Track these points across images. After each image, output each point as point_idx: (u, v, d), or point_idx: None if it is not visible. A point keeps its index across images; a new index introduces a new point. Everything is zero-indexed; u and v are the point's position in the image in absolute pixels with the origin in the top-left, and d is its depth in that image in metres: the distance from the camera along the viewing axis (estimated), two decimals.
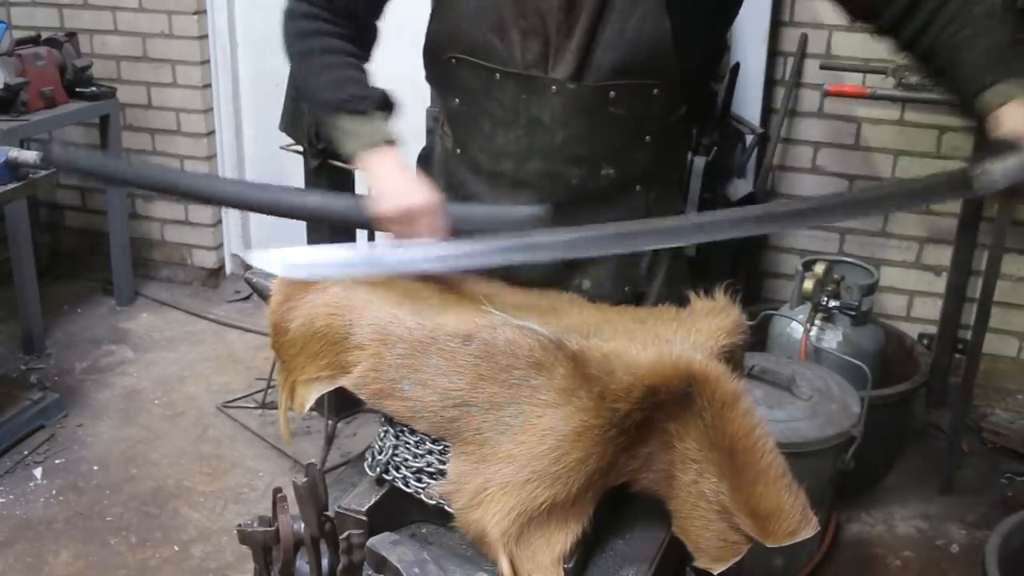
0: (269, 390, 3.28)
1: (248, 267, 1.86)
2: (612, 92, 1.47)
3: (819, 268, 2.89)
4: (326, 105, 1.54)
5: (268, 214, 1.68)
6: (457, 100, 1.57)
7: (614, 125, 1.50)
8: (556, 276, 1.57)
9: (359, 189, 3.04)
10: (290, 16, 1.57)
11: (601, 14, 1.43)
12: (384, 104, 1.53)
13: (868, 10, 1.48)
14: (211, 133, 4.15)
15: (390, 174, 1.49)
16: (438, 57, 1.54)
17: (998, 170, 1.23)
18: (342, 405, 2.99)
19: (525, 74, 1.48)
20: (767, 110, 3.40)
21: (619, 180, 1.55)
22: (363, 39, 1.61)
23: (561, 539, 1.30)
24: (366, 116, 1.50)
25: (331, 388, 1.45)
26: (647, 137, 1.53)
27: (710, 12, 1.50)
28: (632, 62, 1.45)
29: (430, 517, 1.41)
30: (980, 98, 1.33)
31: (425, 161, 1.73)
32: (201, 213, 4.24)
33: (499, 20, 1.46)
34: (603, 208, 1.57)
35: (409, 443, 1.39)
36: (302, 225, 3.15)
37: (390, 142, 1.51)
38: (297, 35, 1.56)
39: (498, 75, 1.49)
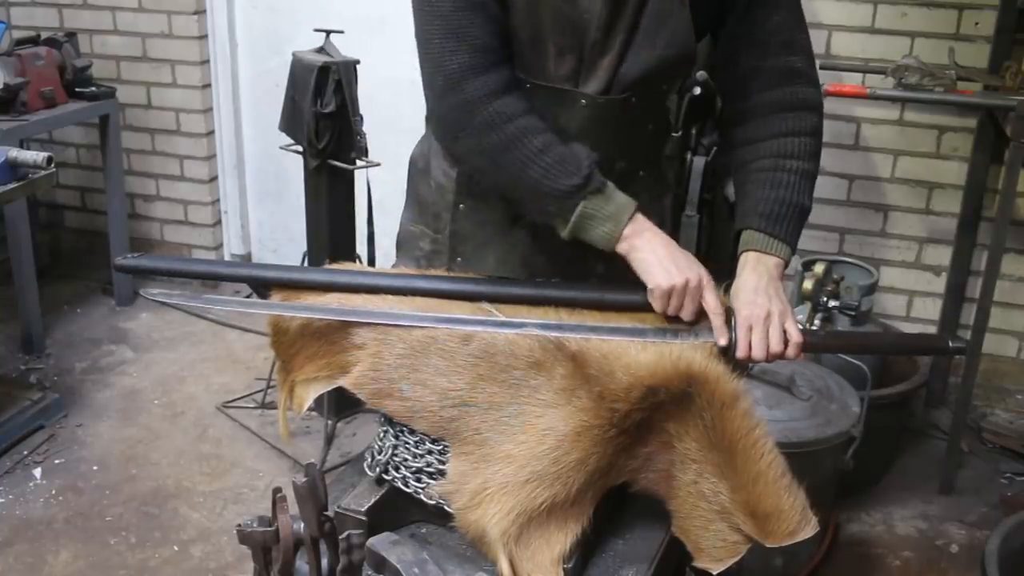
0: (269, 390, 3.28)
1: None
2: (633, 99, 1.51)
3: (819, 268, 2.89)
4: (565, 196, 1.43)
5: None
6: None
7: (631, 126, 1.55)
8: (573, 260, 1.58)
9: (359, 190, 3.05)
10: (465, 106, 1.44)
11: (634, 32, 1.45)
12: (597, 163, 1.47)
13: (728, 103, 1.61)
14: (211, 133, 4.14)
15: (663, 247, 1.44)
16: None
17: (700, 332, 1.42)
18: (342, 405, 2.99)
19: (556, 87, 1.49)
20: None
21: (628, 170, 1.59)
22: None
23: (561, 539, 1.30)
24: (604, 193, 1.44)
25: (330, 388, 1.46)
26: (650, 126, 1.59)
27: (717, 18, 1.53)
28: (657, 75, 1.49)
29: (430, 517, 1.41)
30: (740, 235, 1.50)
31: (424, 159, 1.72)
32: (201, 213, 4.24)
33: (535, 33, 1.46)
34: None
35: (409, 443, 1.39)
36: (301, 227, 3.15)
37: (637, 210, 1.45)
38: (485, 126, 1.44)
39: (528, 85, 1.50)
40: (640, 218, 1.45)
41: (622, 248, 1.44)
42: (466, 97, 1.44)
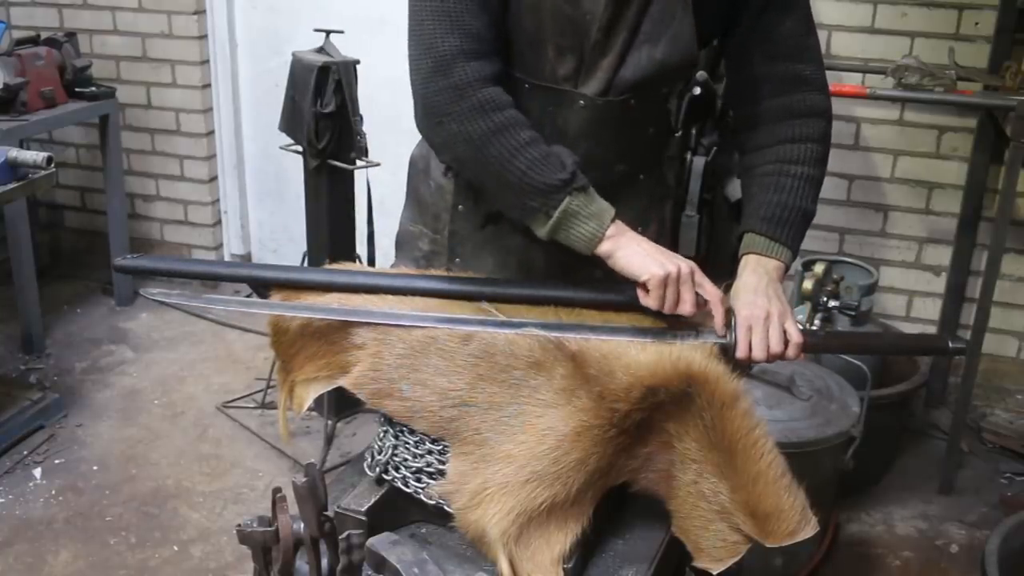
0: (269, 390, 3.28)
1: None
2: (633, 101, 1.50)
3: (819, 268, 2.89)
4: (551, 190, 1.40)
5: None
6: None
7: (630, 129, 1.55)
8: (571, 264, 1.57)
9: (359, 190, 3.05)
10: (453, 89, 1.40)
11: (635, 34, 1.45)
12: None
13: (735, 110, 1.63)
14: (211, 133, 4.15)
15: (647, 243, 1.43)
16: None
17: (701, 332, 1.42)
18: (342, 405, 2.99)
19: (555, 88, 1.49)
20: None
21: (628, 173, 1.59)
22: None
23: (560, 539, 1.30)
24: (587, 192, 1.42)
25: (330, 388, 1.46)
26: (651, 129, 1.59)
27: (724, 23, 1.54)
28: (658, 78, 1.49)
29: (430, 517, 1.41)
30: (742, 237, 1.52)
31: (423, 159, 1.72)
32: (201, 213, 4.24)
33: (535, 34, 1.46)
34: (610, 200, 1.58)
35: (408, 443, 1.39)
36: (301, 227, 3.15)
37: (615, 214, 1.44)
38: (473, 111, 1.40)
39: (527, 85, 1.50)
40: (619, 222, 1.44)
41: (604, 248, 1.42)
42: (455, 81, 1.40)
